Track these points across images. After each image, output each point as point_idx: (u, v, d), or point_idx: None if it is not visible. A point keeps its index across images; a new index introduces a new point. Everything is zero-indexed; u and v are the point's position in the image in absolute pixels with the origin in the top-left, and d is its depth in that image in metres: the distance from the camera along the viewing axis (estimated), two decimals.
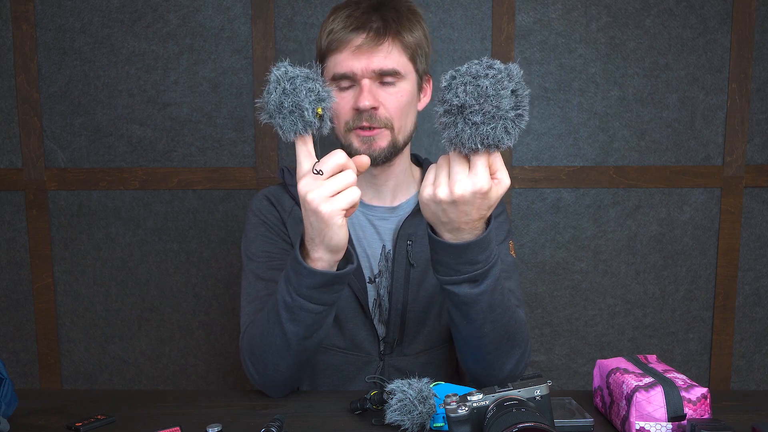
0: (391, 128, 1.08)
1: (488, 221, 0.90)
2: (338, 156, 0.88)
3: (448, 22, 1.76)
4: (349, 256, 0.95)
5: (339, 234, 0.89)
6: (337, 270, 0.94)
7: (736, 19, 1.75)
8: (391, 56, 1.06)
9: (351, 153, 1.09)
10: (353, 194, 0.88)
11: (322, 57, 1.10)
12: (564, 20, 1.76)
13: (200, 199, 1.83)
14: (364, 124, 1.07)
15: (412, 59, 1.09)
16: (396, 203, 1.19)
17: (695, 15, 1.76)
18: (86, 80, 1.79)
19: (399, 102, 1.08)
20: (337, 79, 1.07)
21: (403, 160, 1.17)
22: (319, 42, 1.10)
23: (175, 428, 0.87)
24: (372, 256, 1.16)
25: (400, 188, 1.19)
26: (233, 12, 1.76)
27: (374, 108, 1.06)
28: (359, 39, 1.04)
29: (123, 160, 1.82)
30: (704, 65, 1.78)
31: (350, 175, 0.88)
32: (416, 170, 1.25)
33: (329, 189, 0.87)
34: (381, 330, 1.15)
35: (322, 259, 0.91)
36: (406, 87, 1.09)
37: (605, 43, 1.77)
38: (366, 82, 1.06)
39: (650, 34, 1.77)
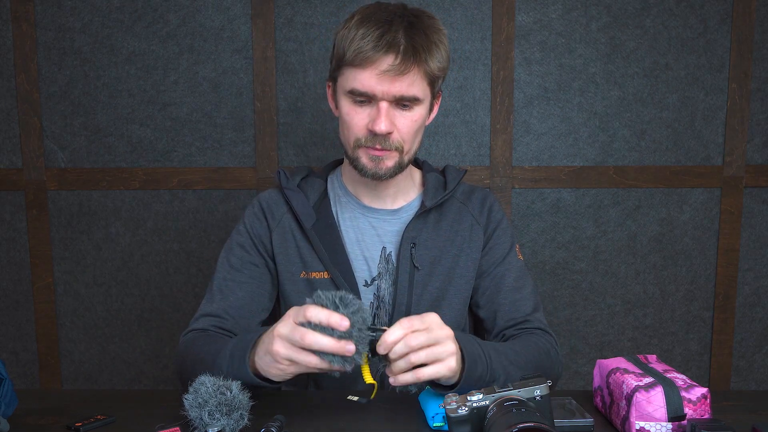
0: (401, 151, 1.10)
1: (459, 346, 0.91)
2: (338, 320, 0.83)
3: (448, 22, 1.76)
4: None
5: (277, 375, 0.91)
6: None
7: (736, 19, 1.75)
8: (414, 84, 1.05)
9: (357, 166, 1.11)
10: (311, 367, 0.87)
11: (340, 63, 1.08)
12: (564, 20, 1.76)
13: (200, 199, 1.83)
14: (377, 146, 1.08)
15: (432, 84, 1.09)
16: (397, 206, 1.19)
17: (695, 15, 1.76)
18: (86, 80, 1.79)
19: (413, 126, 1.09)
20: (355, 94, 1.06)
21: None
22: (339, 48, 1.07)
23: (175, 428, 0.87)
24: (370, 259, 1.16)
25: (401, 193, 1.20)
26: (233, 12, 1.76)
27: (389, 132, 1.07)
28: (386, 63, 1.02)
29: (123, 160, 1.82)
30: (704, 65, 1.78)
31: (328, 342, 0.84)
32: (416, 173, 1.24)
33: (301, 341, 0.84)
34: None
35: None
36: (421, 111, 1.09)
37: (605, 43, 1.77)
38: (384, 105, 1.05)
39: (650, 34, 1.77)
